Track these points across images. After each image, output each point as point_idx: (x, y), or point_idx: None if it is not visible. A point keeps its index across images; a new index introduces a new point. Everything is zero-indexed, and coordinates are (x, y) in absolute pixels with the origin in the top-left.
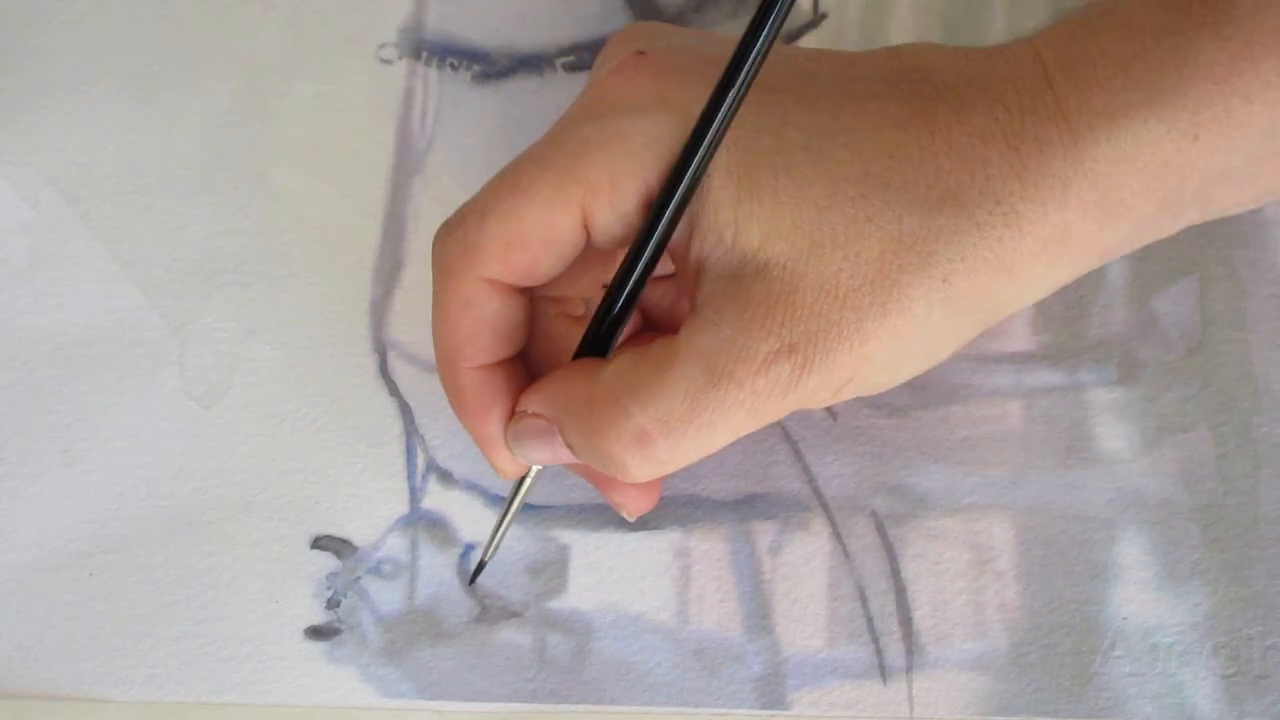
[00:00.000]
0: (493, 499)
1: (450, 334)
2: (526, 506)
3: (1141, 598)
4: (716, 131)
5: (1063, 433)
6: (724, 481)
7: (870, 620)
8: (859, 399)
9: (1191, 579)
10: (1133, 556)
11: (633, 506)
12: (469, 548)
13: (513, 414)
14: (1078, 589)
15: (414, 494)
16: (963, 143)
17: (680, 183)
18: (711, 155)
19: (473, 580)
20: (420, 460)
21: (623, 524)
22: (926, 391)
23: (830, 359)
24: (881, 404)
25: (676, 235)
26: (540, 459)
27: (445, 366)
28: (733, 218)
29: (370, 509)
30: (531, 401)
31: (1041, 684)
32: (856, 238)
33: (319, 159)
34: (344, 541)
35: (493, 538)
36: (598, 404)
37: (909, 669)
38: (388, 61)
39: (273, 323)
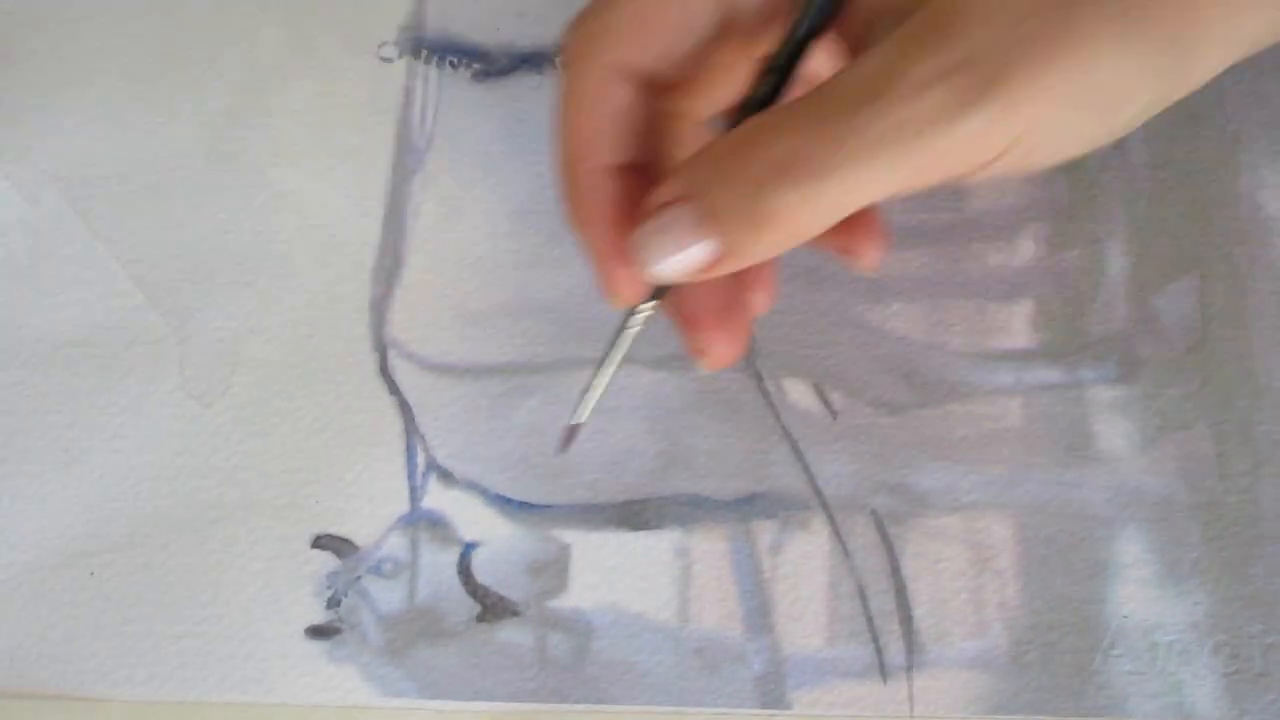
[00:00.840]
0: (493, 497)
1: (577, 128)
2: (527, 506)
3: (1141, 596)
4: None
5: (1063, 430)
6: (724, 481)
7: (870, 619)
8: (859, 398)
9: (1191, 577)
10: (1133, 554)
11: (716, 352)
12: (469, 546)
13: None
14: (1078, 587)
15: (414, 493)
16: None
17: None
18: None
19: (565, 447)
20: (420, 459)
21: (624, 523)
22: (926, 390)
23: (1000, 87)
24: (881, 402)
25: None
26: (675, 268)
27: (567, 166)
28: None
29: (371, 508)
30: (666, 188)
31: (1041, 682)
32: None
33: (319, 158)
34: (344, 540)
35: (587, 392)
36: (741, 144)
37: (909, 668)
38: (387, 60)
39: (273, 322)
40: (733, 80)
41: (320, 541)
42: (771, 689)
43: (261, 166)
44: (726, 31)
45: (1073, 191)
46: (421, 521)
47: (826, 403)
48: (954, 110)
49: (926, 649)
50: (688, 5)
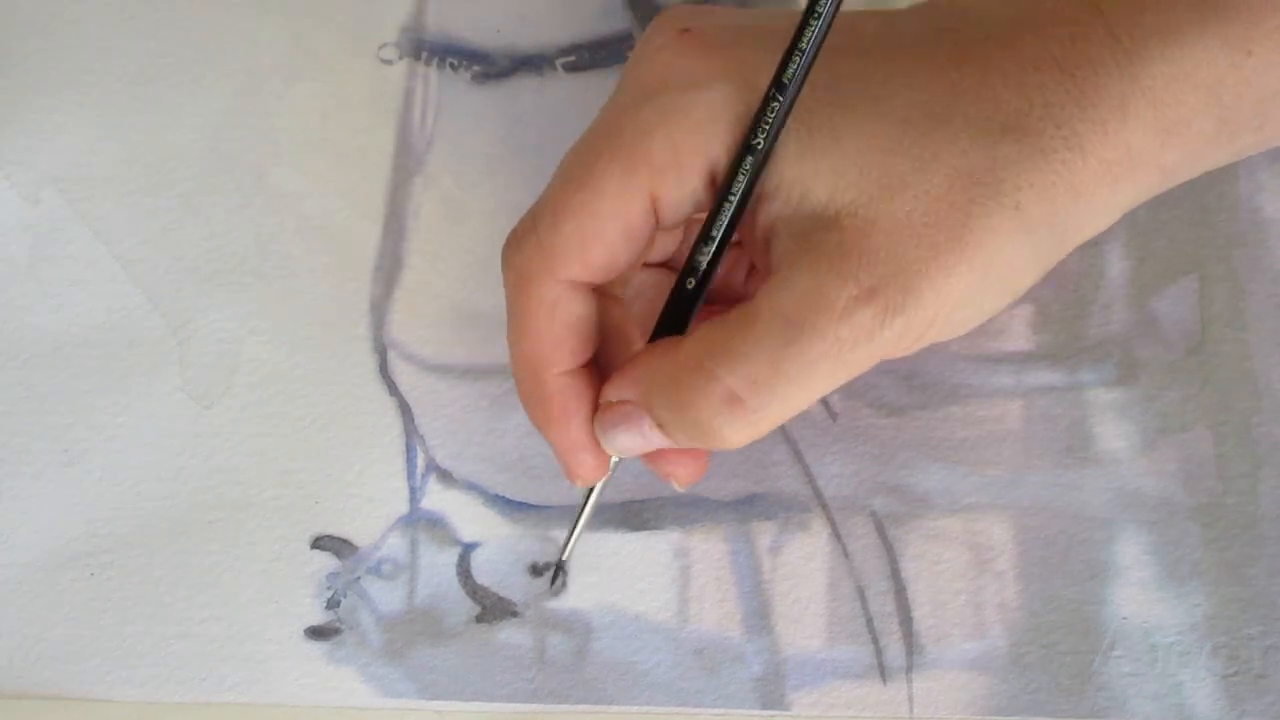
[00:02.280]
0: (492, 499)
1: (535, 343)
2: (526, 507)
3: (1141, 598)
4: (793, 93)
5: (1062, 432)
6: (724, 481)
7: (870, 620)
8: (859, 399)
9: (1191, 579)
10: (1132, 556)
11: (684, 475)
12: (468, 547)
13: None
14: (1077, 589)
15: (414, 494)
16: (1017, 74)
17: (753, 149)
18: (786, 117)
19: (554, 585)
20: (420, 460)
21: (623, 524)
22: (926, 392)
23: (912, 299)
24: (881, 404)
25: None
26: (628, 446)
27: (529, 377)
28: (799, 175)
29: (370, 509)
30: (617, 388)
31: (1041, 684)
32: (924, 176)
33: (319, 159)
34: (344, 541)
35: (568, 541)
36: (684, 373)
37: (908, 669)
38: (388, 62)
39: (273, 322)
40: (643, 258)
41: (320, 542)
42: (771, 690)
43: (262, 168)
44: (657, 231)
45: None
46: (421, 522)
47: (826, 404)
48: (877, 326)
49: (926, 650)
50: (629, 216)
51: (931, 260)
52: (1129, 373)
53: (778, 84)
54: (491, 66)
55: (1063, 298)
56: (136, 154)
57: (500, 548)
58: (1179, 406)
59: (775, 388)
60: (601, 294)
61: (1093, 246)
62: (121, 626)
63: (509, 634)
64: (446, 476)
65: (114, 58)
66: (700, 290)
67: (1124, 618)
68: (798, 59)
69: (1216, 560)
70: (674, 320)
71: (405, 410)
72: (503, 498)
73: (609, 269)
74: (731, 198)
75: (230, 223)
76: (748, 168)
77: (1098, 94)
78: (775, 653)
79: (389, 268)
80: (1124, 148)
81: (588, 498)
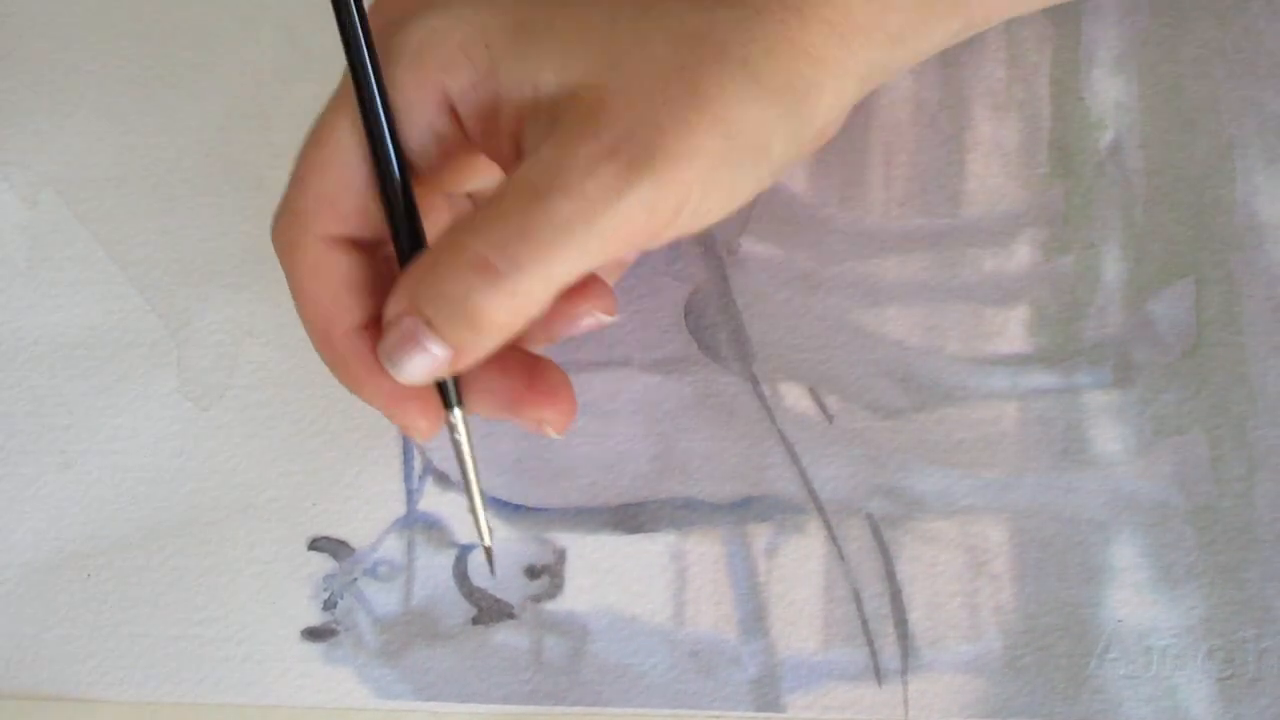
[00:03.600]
0: (490, 500)
1: (314, 306)
2: (525, 509)
3: (1136, 600)
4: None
5: (1058, 435)
6: (719, 484)
7: (865, 622)
8: (855, 401)
9: (1186, 582)
10: (1128, 559)
11: (550, 415)
12: (465, 549)
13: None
14: (1073, 591)
15: (411, 496)
16: None
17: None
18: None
19: (494, 570)
20: (417, 462)
21: (619, 527)
22: (922, 394)
23: (656, 152)
24: (877, 406)
25: (482, 115)
26: (418, 369)
27: (322, 342)
28: (523, 70)
29: (367, 510)
30: (392, 303)
31: (1036, 687)
32: (648, 45)
33: None
34: (341, 543)
35: (476, 522)
36: (440, 255)
37: (904, 671)
38: None
39: (271, 324)
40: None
41: (317, 544)
42: (766, 692)
43: (259, 169)
44: (420, 176)
45: (1068, 197)
46: (418, 524)
47: (822, 406)
48: (621, 185)
49: (921, 652)
50: (366, 170)
51: (668, 116)
52: (1125, 375)
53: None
54: None
55: (1059, 300)
56: (135, 155)
57: (497, 549)
58: (1175, 409)
59: (525, 250)
60: (383, 260)
61: (1089, 249)
62: (119, 627)
63: (505, 636)
64: (444, 479)
65: (112, 59)
66: (409, 200)
67: (1119, 620)
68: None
69: (1212, 563)
70: (409, 239)
71: None
72: (499, 500)
73: (363, 219)
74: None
75: (229, 224)
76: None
77: None
78: (771, 655)
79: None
80: (842, 8)
81: (460, 456)
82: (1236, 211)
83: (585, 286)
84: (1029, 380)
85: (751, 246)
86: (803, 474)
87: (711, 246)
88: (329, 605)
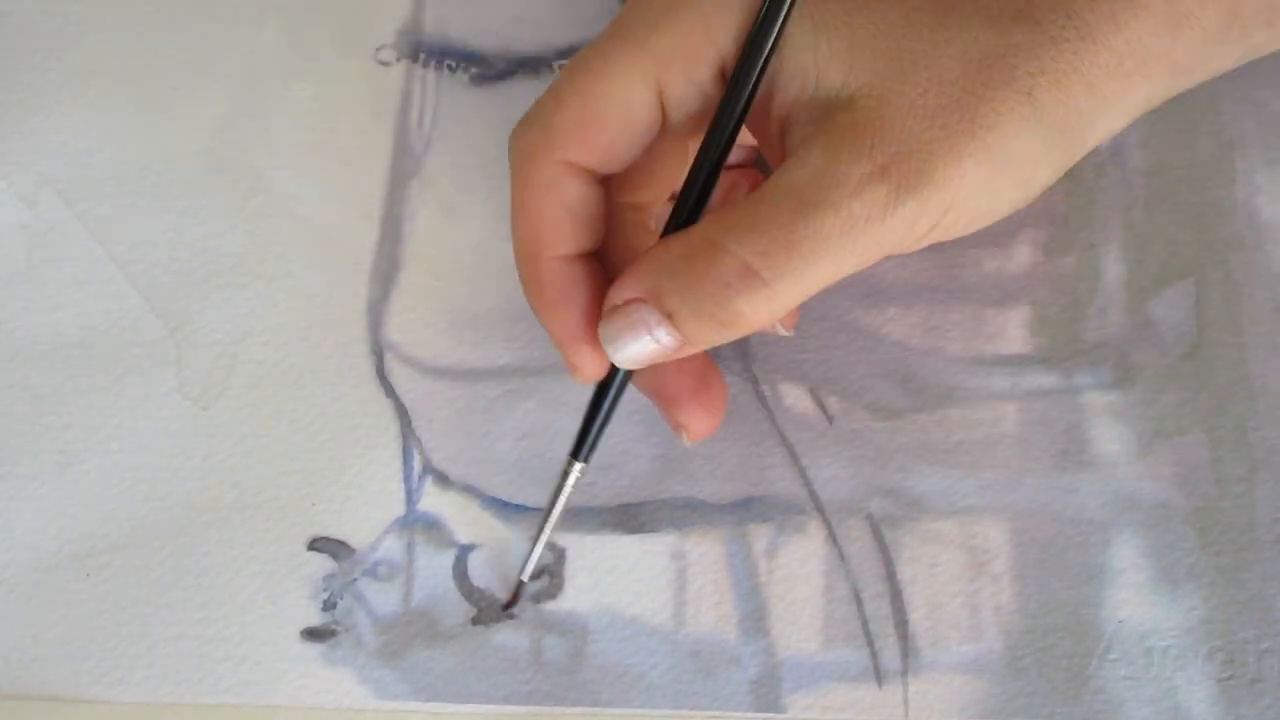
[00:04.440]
0: (489, 500)
1: (532, 223)
2: (522, 509)
3: (1137, 601)
4: None
5: (1058, 435)
6: (720, 484)
7: (866, 623)
8: (856, 402)
9: (1187, 582)
10: (1128, 559)
11: (695, 425)
12: (465, 549)
13: (596, 313)
14: (1073, 592)
15: (410, 496)
16: None
17: (765, 34)
18: (792, 6)
19: (511, 605)
20: (417, 462)
21: (619, 527)
22: (922, 394)
23: (925, 178)
24: (878, 407)
25: (759, 97)
26: (636, 352)
27: (526, 259)
28: (813, 61)
29: (367, 510)
30: (623, 287)
31: (1036, 687)
32: (938, 60)
33: (316, 161)
34: (340, 543)
35: (532, 551)
36: (695, 252)
37: (904, 672)
38: (385, 63)
39: (270, 324)
40: (677, 171)
41: (316, 544)
42: (766, 692)
43: (259, 169)
44: (666, 129)
45: (1069, 198)
46: (417, 524)
47: (823, 407)
48: (890, 204)
49: (922, 653)
50: (629, 103)
51: (944, 141)
52: (1125, 376)
53: None
54: (489, 68)
55: (1059, 301)
56: (134, 156)
57: (497, 550)
58: (1175, 410)
59: (788, 262)
60: (621, 202)
61: (1089, 249)
62: (118, 628)
63: (505, 636)
64: (443, 478)
65: (111, 60)
66: (710, 182)
67: (1120, 621)
68: None
69: (1212, 564)
70: (686, 211)
71: (402, 412)
72: (499, 500)
73: (609, 154)
74: (746, 81)
75: (227, 224)
76: (756, 55)
77: None
78: (771, 655)
79: (386, 269)
80: (1135, 40)
81: (554, 499)
82: (1237, 212)
83: (711, 399)
84: (1029, 381)
85: None
86: (803, 474)
87: None
88: (328, 606)
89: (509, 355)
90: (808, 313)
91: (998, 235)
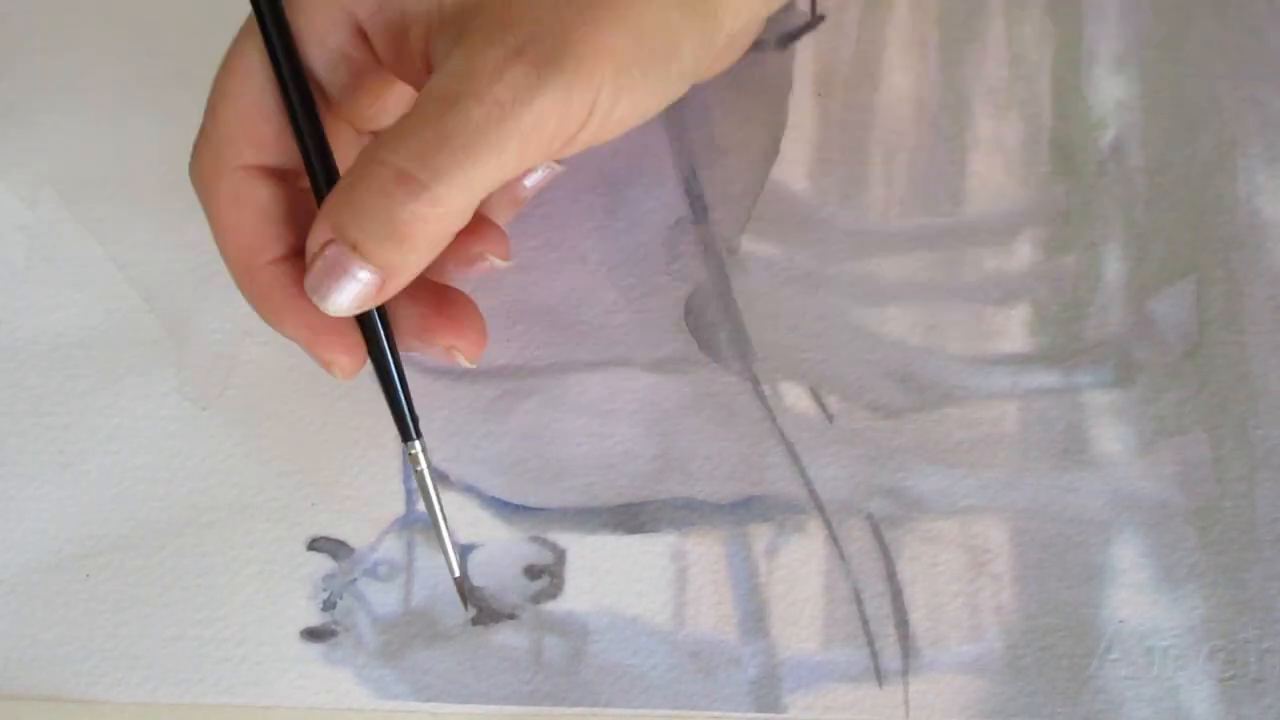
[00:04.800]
0: (489, 501)
1: (233, 237)
2: (522, 509)
3: (1138, 601)
4: None
5: (1059, 435)
6: (720, 484)
7: (866, 623)
8: (856, 401)
9: (1188, 582)
10: (1129, 559)
11: (462, 344)
12: (465, 549)
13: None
14: (1074, 592)
15: (410, 496)
16: None
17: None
18: None
19: (468, 604)
20: None
21: (619, 527)
22: (923, 394)
23: (565, 50)
24: (878, 406)
25: (391, 35)
26: (349, 297)
27: (241, 274)
28: None
29: (366, 511)
30: (314, 233)
31: (1037, 687)
32: None
33: None
34: (340, 543)
35: (446, 555)
36: (358, 174)
37: (905, 672)
38: None
39: None
40: (403, 90)
41: (316, 544)
42: (767, 692)
43: None
44: (336, 94)
45: (1069, 196)
46: (417, 524)
47: (823, 406)
48: (535, 84)
49: (922, 653)
50: (278, 96)
51: (578, 15)
52: (1126, 375)
53: None
54: None
55: (1060, 299)
56: (133, 155)
57: (497, 550)
58: (1176, 409)
59: (443, 159)
60: (302, 191)
61: (1090, 248)
62: (117, 628)
63: (505, 636)
64: (443, 478)
65: (111, 59)
66: (315, 128)
67: (1121, 621)
68: None
69: (1213, 563)
70: (322, 165)
71: None
72: (499, 500)
73: (279, 145)
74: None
75: None
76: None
77: None
78: (771, 655)
79: None
80: None
81: (424, 489)
82: (1238, 210)
83: (478, 228)
84: (1030, 380)
85: (752, 246)
86: (803, 474)
87: (711, 246)
88: (328, 605)
89: (509, 355)
90: (808, 311)
91: (998, 233)
